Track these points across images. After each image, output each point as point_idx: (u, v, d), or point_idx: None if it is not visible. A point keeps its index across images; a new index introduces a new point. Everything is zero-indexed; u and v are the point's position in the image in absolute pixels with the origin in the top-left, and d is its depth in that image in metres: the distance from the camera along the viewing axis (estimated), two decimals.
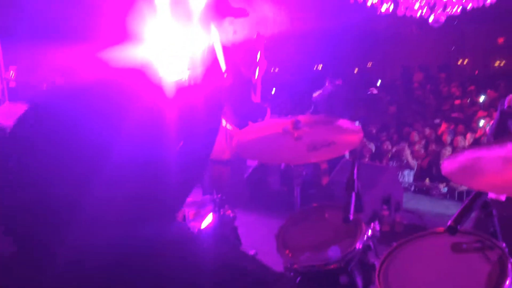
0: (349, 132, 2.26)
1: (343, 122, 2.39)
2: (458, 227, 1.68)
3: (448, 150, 7.83)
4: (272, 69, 13.55)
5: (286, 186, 5.79)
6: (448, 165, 1.76)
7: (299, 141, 2.18)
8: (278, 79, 12.38)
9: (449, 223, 1.68)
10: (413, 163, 7.82)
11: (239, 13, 3.55)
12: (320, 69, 15.90)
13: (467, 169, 1.74)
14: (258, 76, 3.69)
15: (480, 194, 1.71)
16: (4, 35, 5.45)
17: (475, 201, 1.71)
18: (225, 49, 3.41)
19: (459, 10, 4.38)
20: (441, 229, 1.84)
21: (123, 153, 1.55)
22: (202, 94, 2.04)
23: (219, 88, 2.66)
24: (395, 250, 1.83)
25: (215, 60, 3.15)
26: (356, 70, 15.08)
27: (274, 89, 11.36)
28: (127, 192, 1.51)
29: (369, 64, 15.90)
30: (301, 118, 2.35)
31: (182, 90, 1.86)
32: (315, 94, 6.43)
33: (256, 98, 3.85)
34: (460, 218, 1.69)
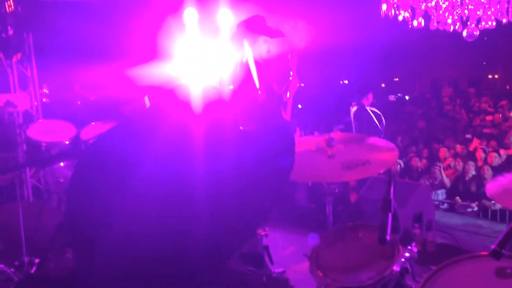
0: (384, 150, 2.21)
1: (377, 140, 2.34)
2: (503, 251, 1.60)
3: (471, 165, 7.57)
4: (299, 84, 13.48)
5: (313, 203, 5.71)
6: (492, 186, 1.69)
7: (332, 159, 2.14)
8: (304, 94, 12.34)
9: (493, 246, 1.60)
10: (447, 181, 7.61)
11: (275, 34, 3.56)
12: (346, 83, 15.81)
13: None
14: (290, 94, 3.69)
15: None
16: (40, 53, 5.63)
17: None
18: (259, 66, 3.42)
19: (494, 24, 4.28)
20: (484, 253, 1.76)
21: (152, 170, 1.58)
22: (233, 110, 2.01)
23: (253, 104, 2.64)
24: (435, 274, 1.76)
25: (249, 77, 3.16)
26: (383, 85, 14.93)
27: (300, 105, 11.33)
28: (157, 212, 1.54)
29: (396, 79, 15.73)
30: (335, 135, 2.31)
31: (212, 106, 1.84)
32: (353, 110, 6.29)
33: (287, 115, 3.84)
34: (505, 242, 1.61)
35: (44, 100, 6.17)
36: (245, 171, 1.63)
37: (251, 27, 3.67)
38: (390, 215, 1.97)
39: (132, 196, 1.59)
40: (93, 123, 4.62)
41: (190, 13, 6.49)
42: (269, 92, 3.25)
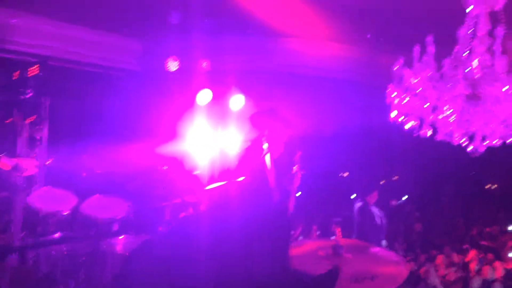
0: (393, 264, 2.15)
1: (385, 252, 2.29)
2: None
3: (477, 280, 7.44)
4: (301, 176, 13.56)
5: None
6: None
7: (341, 269, 2.08)
8: (304, 183, 12.35)
9: None
10: (438, 283, 7.41)
11: (291, 126, 3.64)
12: (345, 176, 15.87)
13: None
14: (293, 188, 3.69)
15: None
16: (54, 118, 5.73)
17: None
18: (273, 159, 3.45)
19: (498, 142, 4.38)
20: None
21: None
22: (236, 192, 2.06)
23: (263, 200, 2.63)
24: None
25: (263, 171, 3.17)
26: (382, 182, 14.99)
27: (299, 192, 11.31)
28: None
29: (396, 177, 15.82)
30: (343, 241, 2.27)
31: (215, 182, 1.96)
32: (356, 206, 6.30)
33: (291, 208, 3.82)
34: None
35: (47, 163, 6.18)
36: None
37: (266, 118, 3.75)
38: None
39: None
40: (95, 196, 4.57)
41: (204, 95, 6.72)
42: (281, 187, 3.25)
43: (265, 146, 3.08)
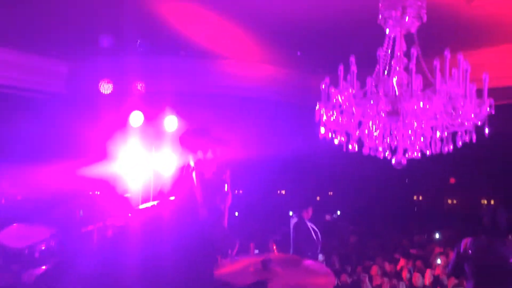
0: (322, 276, 2.23)
1: (314, 264, 2.37)
2: None
3: (402, 287, 7.80)
4: (236, 191, 13.66)
5: None
6: None
7: (270, 282, 2.12)
8: (242, 202, 12.42)
9: None
10: None
11: (219, 145, 3.68)
12: (283, 194, 16.16)
13: None
14: (225, 206, 3.72)
15: None
16: None
17: None
18: (201, 178, 3.47)
19: (419, 154, 4.66)
20: None
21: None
22: (166, 211, 2.07)
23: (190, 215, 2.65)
24: None
25: (191, 189, 3.19)
26: (318, 198, 15.39)
27: (236, 212, 11.35)
28: None
29: (330, 193, 16.32)
30: (272, 256, 2.32)
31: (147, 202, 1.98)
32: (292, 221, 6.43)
33: (225, 225, 3.84)
34: None
35: None
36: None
37: (196, 138, 3.77)
38: None
39: None
40: (14, 225, 4.30)
41: (136, 117, 6.63)
42: (210, 204, 3.27)
43: (193, 164, 3.11)
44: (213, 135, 3.72)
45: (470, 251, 4.70)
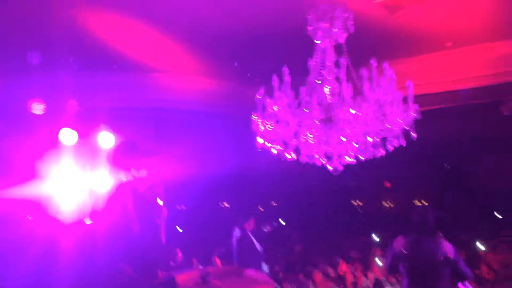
0: (261, 284, 2.23)
1: (254, 273, 2.37)
2: None
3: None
4: (179, 206, 13.48)
5: None
6: None
7: None
8: (184, 217, 12.25)
9: None
10: None
11: (142, 164, 3.66)
12: (227, 207, 16.12)
13: None
14: (161, 220, 3.72)
15: None
16: None
17: None
18: (133, 193, 3.41)
19: (354, 160, 4.82)
20: None
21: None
22: (104, 233, 2.03)
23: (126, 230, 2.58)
24: None
25: (123, 207, 3.11)
26: (262, 209, 15.49)
27: (180, 229, 11.18)
28: None
29: (274, 203, 16.49)
30: (213, 269, 2.29)
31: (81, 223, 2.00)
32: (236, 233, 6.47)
33: (162, 239, 3.83)
34: None
35: None
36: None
37: (124, 153, 3.73)
38: None
39: None
40: None
41: (68, 135, 6.36)
42: (148, 220, 3.22)
43: (125, 180, 3.05)
44: (141, 148, 3.69)
45: (405, 250, 4.92)
